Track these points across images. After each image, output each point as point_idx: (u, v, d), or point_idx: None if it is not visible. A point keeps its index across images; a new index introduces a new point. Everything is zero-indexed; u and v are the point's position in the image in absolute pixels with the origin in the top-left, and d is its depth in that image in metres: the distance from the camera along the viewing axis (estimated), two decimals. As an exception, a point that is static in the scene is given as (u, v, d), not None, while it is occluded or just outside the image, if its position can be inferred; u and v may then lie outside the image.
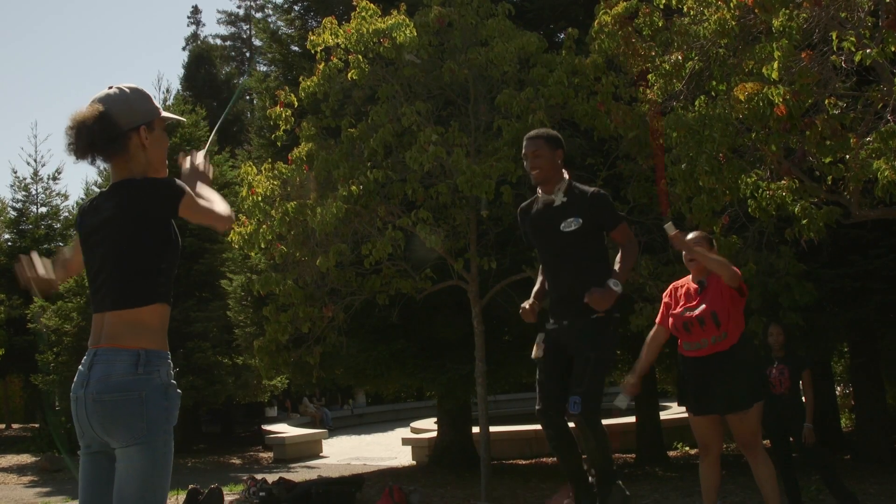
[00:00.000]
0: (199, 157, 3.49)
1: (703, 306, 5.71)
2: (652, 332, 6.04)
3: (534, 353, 5.17)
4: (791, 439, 7.27)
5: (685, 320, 5.77)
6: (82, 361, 3.10)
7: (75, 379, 3.10)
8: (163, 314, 3.12)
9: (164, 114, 3.31)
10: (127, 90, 3.21)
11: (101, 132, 3.07)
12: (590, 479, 5.13)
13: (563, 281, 5.05)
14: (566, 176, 5.17)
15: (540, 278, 5.37)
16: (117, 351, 3.01)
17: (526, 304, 5.15)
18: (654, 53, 7.60)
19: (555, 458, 5.18)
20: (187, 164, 3.45)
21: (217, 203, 3.29)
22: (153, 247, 3.09)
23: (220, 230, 3.43)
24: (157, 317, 3.09)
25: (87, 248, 3.18)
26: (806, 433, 7.12)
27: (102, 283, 3.10)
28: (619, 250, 5.13)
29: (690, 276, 5.97)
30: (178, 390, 3.14)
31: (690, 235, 6.02)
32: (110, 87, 3.21)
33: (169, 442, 3.05)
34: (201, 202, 3.20)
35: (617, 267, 5.01)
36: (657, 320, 6.07)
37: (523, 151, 5.18)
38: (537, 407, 5.07)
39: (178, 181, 3.13)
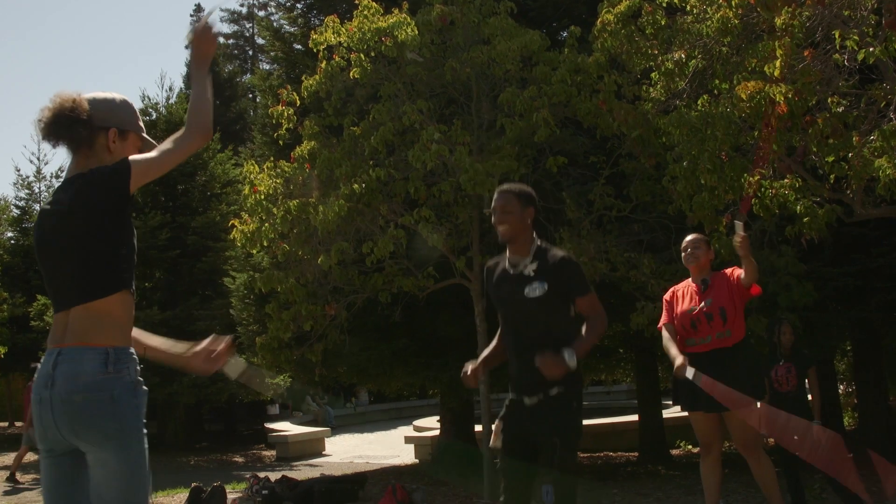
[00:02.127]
0: (204, 21, 3.31)
1: (711, 301, 5.74)
2: (665, 333, 6.01)
3: (492, 441, 4.77)
4: (795, 437, 7.24)
5: (693, 317, 5.78)
6: (42, 361, 2.97)
7: (36, 379, 2.97)
8: (129, 304, 3.03)
9: (145, 135, 3.25)
10: (116, 97, 3.21)
11: (69, 114, 3.02)
12: None
13: (523, 350, 4.58)
14: (535, 238, 4.73)
15: (494, 342, 4.96)
16: (83, 349, 2.90)
17: (468, 367, 4.78)
18: (656, 52, 7.60)
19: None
20: (188, 34, 3.33)
21: (174, 140, 3.09)
22: (111, 234, 2.98)
23: (197, 147, 3.20)
24: (123, 308, 3.00)
25: (43, 243, 3.06)
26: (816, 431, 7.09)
27: (64, 279, 3.00)
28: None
29: (690, 279, 5.99)
30: (145, 388, 3.04)
31: (689, 237, 6.04)
32: (103, 92, 3.22)
33: (143, 440, 2.97)
34: (154, 154, 3.05)
35: (581, 333, 4.57)
36: (663, 320, 6.07)
37: (492, 204, 4.74)
38: (502, 498, 4.68)
39: (121, 160, 3.03)
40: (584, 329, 4.57)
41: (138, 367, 3.02)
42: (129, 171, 2.96)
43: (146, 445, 2.99)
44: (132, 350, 3.02)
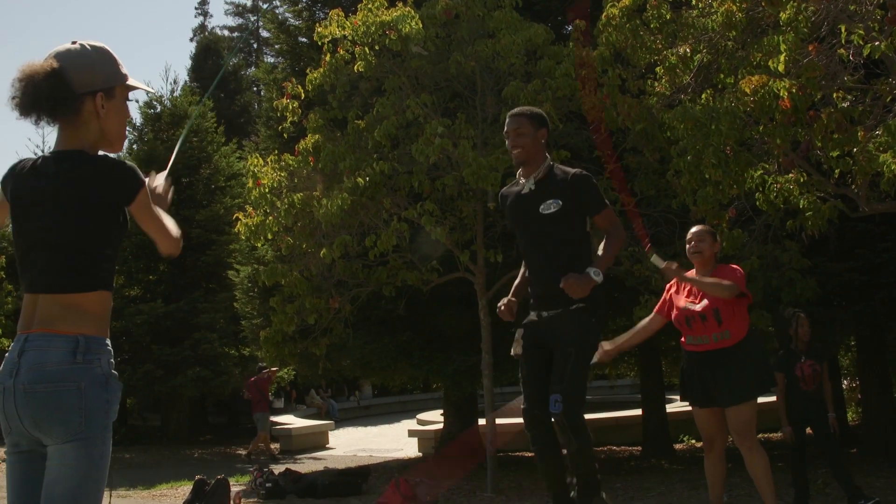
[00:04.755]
0: (159, 179, 3.16)
1: (706, 302, 5.70)
2: (647, 318, 6.08)
3: (513, 349, 4.86)
4: (809, 431, 7.20)
5: (687, 315, 5.76)
6: (10, 347, 2.72)
7: (2, 367, 2.72)
8: (105, 300, 2.78)
9: (131, 81, 2.93)
10: (90, 48, 2.83)
11: (49, 90, 2.70)
12: (571, 493, 4.80)
13: (542, 267, 4.73)
14: (548, 158, 4.85)
15: (521, 271, 5.05)
16: (52, 337, 2.66)
17: (503, 303, 4.87)
18: (661, 46, 7.59)
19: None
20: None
21: (168, 220, 2.95)
22: (100, 231, 2.74)
23: (162, 250, 2.99)
24: (98, 303, 2.75)
25: (20, 216, 2.80)
26: (832, 423, 7.06)
27: (37, 260, 2.74)
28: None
29: (694, 271, 5.97)
30: (119, 382, 2.80)
31: (694, 229, 6.01)
32: (73, 43, 2.84)
33: (107, 439, 2.72)
34: (155, 209, 2.89)
35: (599, 253, 4.70)
36: (656, 308, 6.08)
37: (505, 129, 4.83)
38: (522, 406, 4.79)
39: (138, 171, 2.80)
40: (603, 244, 4.68)
41: (112, 360, 2.77)
42: (139, 190, 2.78)
43: (110, 445, 2.74)
44: (107, 341, 2.76)
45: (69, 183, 2.72)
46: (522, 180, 4.85)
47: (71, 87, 2.74)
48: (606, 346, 5.65)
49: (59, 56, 2.78)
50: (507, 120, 4.84)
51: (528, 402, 4.73)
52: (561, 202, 4.64)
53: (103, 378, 2.71)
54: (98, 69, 2.83)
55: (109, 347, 2.77)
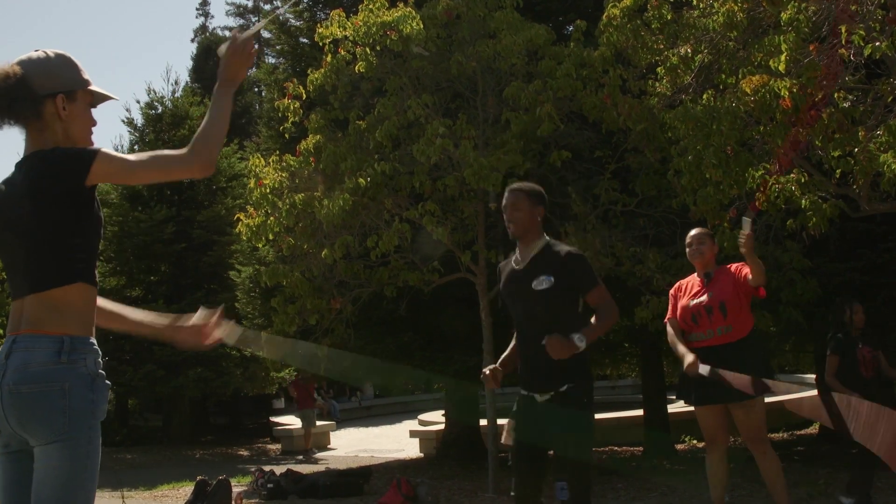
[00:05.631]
0: (242, 38, 2.98)
1: (712, 295, 5.73)
2: (670, 329, 6.01)
3: (503, 438, 4.79)
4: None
5: (693, 310, 5.78)
6: None
7: None
8: (87, 294, 2.78)
9: (93, 87, 2.95)
10: (51, 55, 2.89)
11: (8, 91, 2.75)
12: None
13: (533, 343, 4.64)
14: (545, 236, 4.83)
15: (512, 343, 4.99)
16: (37, 337, 2.68)
17: (487, 370, 4.85)
18: (662, 46, 7.59)
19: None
20: (223, 46, 2.96)
21: (166, 157, 2.81)
22: (67, 221, 2.73)
23: (189, 176, 2.93)
24: (80, 297, 2.75)
25: (1, 227, 2.83)
26: None
27: (19, 266, 2.78)
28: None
29: (695, 273, 5.98)
30: (107, 382, 2.79)
31: (693, 232, 6.02)
32: (36, 50, 2.91)
33: (94, 439, 2.71)
34: (132, 159, 2.79)
35: (591, 321, 4.62)
36: (668, 314, 6.08)
37: (503, 202, 4.85)
38: (512, 493, 4.73)
39: (90, 148, 2.78)
40: (594, 318, 4.62)
41: (99, 360, 2.78)
42: (91, 163, 2.71)
43: (97, 446, 2.73)
44: (93, 340, 2.77)
45: (29, 182, 2.75)
46: (519, 257, 4.86)
47: (30, 88, 2.79)
48: (690, 359, 5.61)
49: (21, 62, 2.85)
50: (506, 193, 4.86)
51: (518, 491, 4.70)
52: (553, 279, 4.62)
53: (89, 378, 2.72)
54: (58, 72, 2.88)
55: (96, 347, 2.78)
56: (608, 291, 4.72)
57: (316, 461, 15.74)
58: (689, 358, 5.62)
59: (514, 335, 4.95)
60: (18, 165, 2.85)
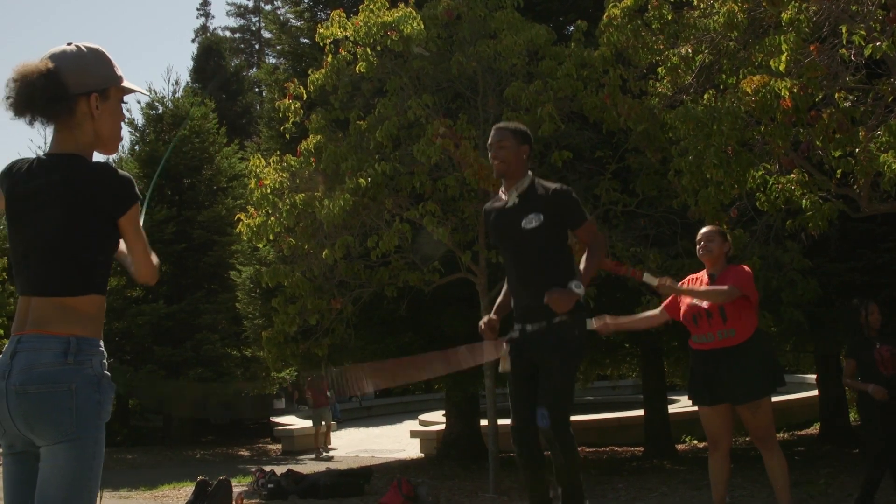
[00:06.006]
0: None
1: None
2: (654, 311, 6.13)
3: (500, 366, 4.86)
4: None
5: (694, 313, 5.78)
6: (4, 349, 2.73)
7: None
8: (98, 304, 2.78)
9: (126, 83, 2.92)
10: (85, 49, 2.84)
11: (43, 91, 2.70)
12: None
13: (524, 281, 4.74)
14: (530, 173, 4.86)
15: (504, 289, 5.05)
16: (44, 338, 2.66)
17: (483, 322, 4.88)
18: (662, 46, 7.59)
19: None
20: None
21: (149, 250, 2.93)
22: (94, 238, 2.74)
23: (140, 276, 2.99)
24: (91, 305, 2.75)
25: (16, 218, 2.79)
26: None
27: (31, 263, 2.75)
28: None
29: (705, 270, 5.99)
30: (113, 383, 2.79)
31: (704, 230, 6.02)
32: (69, 44, 2.84)
33: (100, 440, 2.71)
34: (142, 236, 2.87)
35: (581, 267, 4.70)
36: (663, 304, 6.10)
37: (489, 141, 4.88)
38: (511, 424, 4.80)
39: (135, 184, 2.81)
40: (585, 257, 4.70)
41: (105, 361, 2.78)
42: (131, 206, 2.76)
43: (102, 446, 2.73)
44: (100, 342, 2.76)
45: (65, 187, 2.71)
46: (504, 196, 4.89)
47: (65, 87, 2.74)
48: (609, 319, 5.67)
49: (55, 57, 2.78)
50: (492, 132, 4.90)
51: (517, 421, 4.75)
52: (542, 216, 4.66)
53: (95, 379, 2.71)
54: (92, 70, 2.83)
55: (102, 349, 2.78)
56: (596, 226, 4.84)
57: (330, 458, 15.97)
58: (608, 319, 5.66)
59: (505, 278, 4.99)
60: (48, 164, 2.78)
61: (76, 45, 2.84)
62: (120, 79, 2.90)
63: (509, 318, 4.98)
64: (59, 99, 2.73)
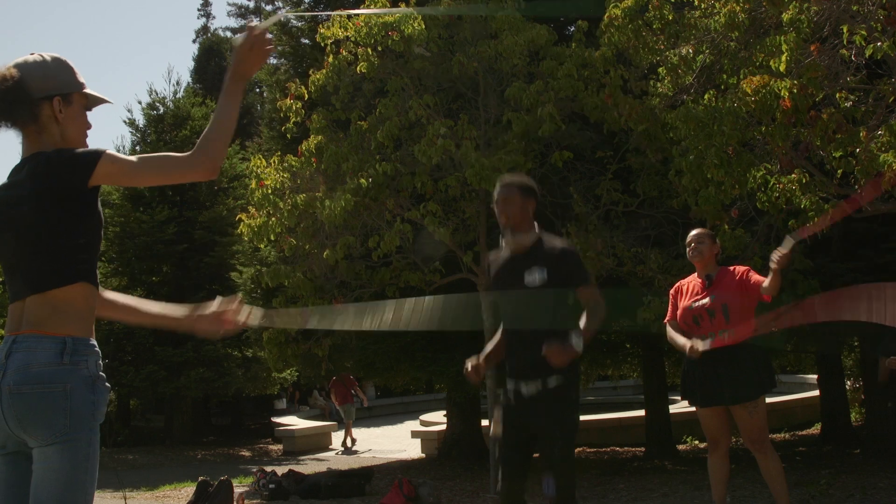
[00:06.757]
0: (260, 28, 2.90)
1: (714, 297, 5.72)
2: (670, 329, 6.01)
3: (492, 430, 4.80)
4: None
5: (695, 312, 5.77)
6: None
7: None
8: (88, 294, 2.76)
9: (88, 90, 2.95)
10: (47, 58, 2.90)
11: (6, 93, 2.76)
12: None
13: (521, 337, 4.67)
14: (536, 228, 4.81)
15: (496, 337, 4.98)
16: (39, 338, 2.66)
17: (469, 364, 4.78)
18: (663, 46, 7.59)
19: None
20: (238, 37, 2.88)
21: (171, 160, 2.83)
22: (70, 221, 2.72)
23: (194, 179, 2.93)
24: (82, 297, 2.73)
25: (2, 229, 2.80)
26: None
27: (18, 267, 2.76)
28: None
29: (696, 273, 5.98)
30: (107, 384, 2.78)
31: (693, 232, 6.02)
32: (31, 53, 2.91)
33: (94, 441, 2.69)
34: (135, 161, 2.77)
35: (581, 324, 4.62)
36: (668, 316, 6.07)
37: (495, 197, 4.85)
38: (498, 487, 4.73)
39: (96, 149, 2.76)
40: (584, 317, 4.63)
41: (99, 362, 2.77)
42: (94, 166, 2.70)
43: (97, 447, 2.71)
44: (93, 342, 2.76)
45: (31, 181, 2.74)
46: (508, 248, 4.83)
47: (28, 92, 2.80)
48: (697, 344, 5.62)
49: (17, 65, 2.86)
50: (497, 187, 4.86)
51: (506, 484, 4.69)
52: (546, 273, 4.62)
53: (90, 380, 2.70)
54: (53, 75, 2.89)
55: (96, 349, 2.77)
56: (598, 288, 4.74)
57: (355, 452, 16.50)
58: (687, 345, 5.65)
59: (501, 329, 4.92)
60: (18, 168, 2.84)
61: (39, 54, 2.92)
62: (82, 85, 2.95)
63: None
64: (21, 102, 2.79)
